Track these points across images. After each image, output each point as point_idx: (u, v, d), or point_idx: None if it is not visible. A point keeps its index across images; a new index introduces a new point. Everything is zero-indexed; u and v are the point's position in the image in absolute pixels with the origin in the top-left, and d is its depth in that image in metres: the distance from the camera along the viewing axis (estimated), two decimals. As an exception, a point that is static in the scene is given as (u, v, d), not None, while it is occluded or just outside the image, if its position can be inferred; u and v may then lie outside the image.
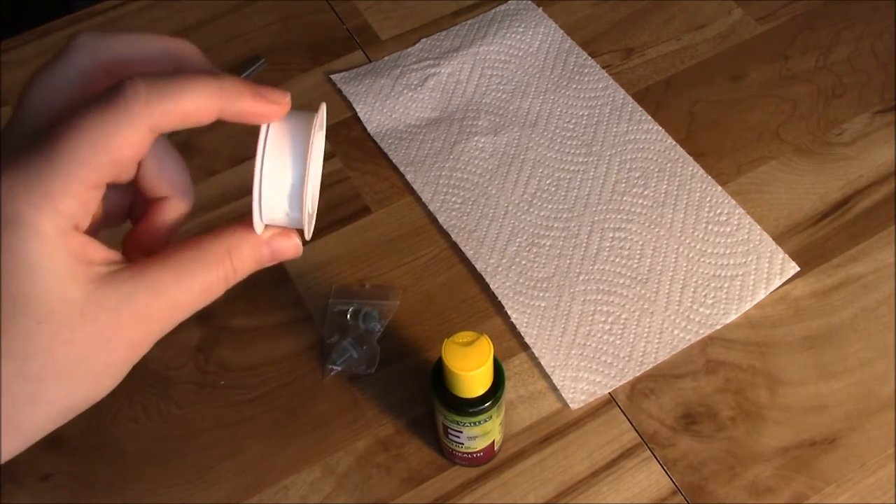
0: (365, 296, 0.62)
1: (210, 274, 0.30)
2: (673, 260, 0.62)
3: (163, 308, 0.29)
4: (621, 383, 0.57)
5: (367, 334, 0.59)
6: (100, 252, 0.28)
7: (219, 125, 0.30)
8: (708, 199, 0.65)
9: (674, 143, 0.68)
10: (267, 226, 0.32)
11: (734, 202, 0.65)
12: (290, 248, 0.33)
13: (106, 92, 0.27)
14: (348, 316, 0.60)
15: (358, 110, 0.72)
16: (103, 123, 0.26)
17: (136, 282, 0.28)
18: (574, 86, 0.73)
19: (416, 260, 0.64)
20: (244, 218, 0.32)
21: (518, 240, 0.64)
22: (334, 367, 0.58)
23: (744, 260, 0.62)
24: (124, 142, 0.27)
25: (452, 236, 0.64)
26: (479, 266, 0.63)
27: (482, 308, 0.61)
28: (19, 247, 0.26)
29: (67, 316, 0.27)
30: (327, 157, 0.69)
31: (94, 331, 0.27)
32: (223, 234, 0.31)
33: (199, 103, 0.28)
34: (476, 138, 0.69)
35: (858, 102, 0.71)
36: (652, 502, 0.53)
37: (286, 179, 0.30)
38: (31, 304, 0.26)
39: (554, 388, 0.57)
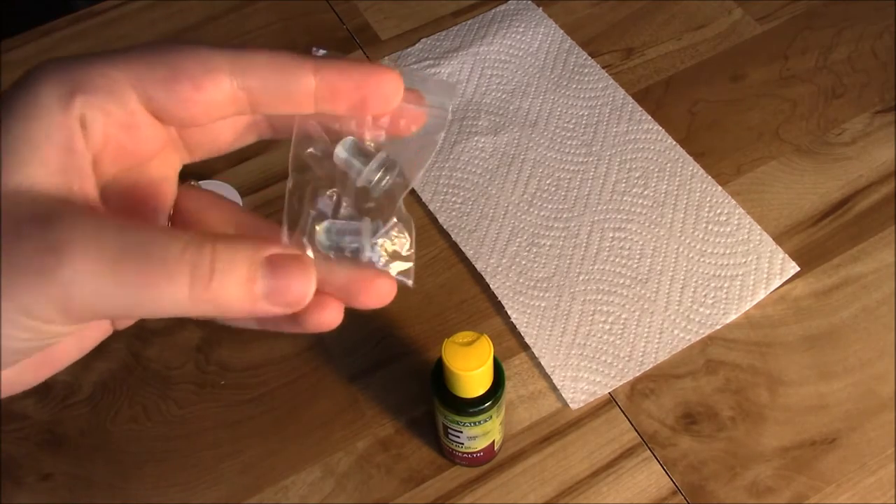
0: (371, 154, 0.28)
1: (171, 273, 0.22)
2: (673, 260, 0.62)
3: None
4: (621, 383, 0.57)
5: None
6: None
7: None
8: (708, 199, 0.65)
9: (674, 142, 0.68)
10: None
11: (734, 202, 0.65)
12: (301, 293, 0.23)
13: None
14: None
15: (358, 110, 0.72)
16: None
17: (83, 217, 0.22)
18: (574, 86, 0.73)
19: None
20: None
21: (518, 240, 0.64)
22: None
23: (744, 260, 0.62)
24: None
25: (452, 236, 0.64)
26: (479, 266, 0.63)
27: (482, 308, 0.61)
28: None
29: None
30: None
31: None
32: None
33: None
34: (476, 138, 0.69)
35: (858, 102, 0.71)
36: (652, 502, 0.53)
37: None
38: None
39: (554, 388, 0.57)
